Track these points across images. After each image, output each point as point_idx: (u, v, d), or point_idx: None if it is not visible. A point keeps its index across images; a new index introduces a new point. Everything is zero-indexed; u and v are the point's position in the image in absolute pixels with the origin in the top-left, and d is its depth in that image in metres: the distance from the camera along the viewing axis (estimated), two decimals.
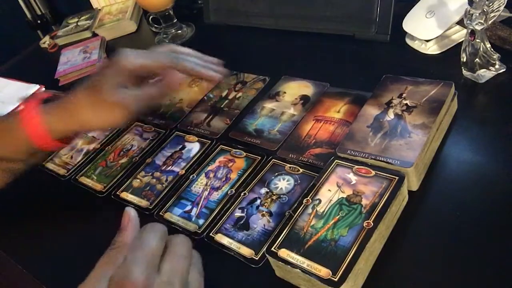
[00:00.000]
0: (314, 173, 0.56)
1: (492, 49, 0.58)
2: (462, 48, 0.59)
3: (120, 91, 0.55)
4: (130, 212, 0.42)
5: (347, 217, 0.46)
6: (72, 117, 0.56)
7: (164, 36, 0.95)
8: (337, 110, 0.63)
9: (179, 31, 0.95)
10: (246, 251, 0.50)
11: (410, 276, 0.44)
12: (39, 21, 1.63)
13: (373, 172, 0.49)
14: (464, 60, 0.59)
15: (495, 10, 0.54)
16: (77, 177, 0.68)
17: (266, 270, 0.47)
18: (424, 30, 0.67)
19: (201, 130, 0.69)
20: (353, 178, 0.49)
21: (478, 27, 0.55)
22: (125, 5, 1.11)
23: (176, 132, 0.71)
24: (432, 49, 0.68)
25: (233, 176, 0.59)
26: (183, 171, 0.63)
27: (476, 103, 0.60)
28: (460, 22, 0.65)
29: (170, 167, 0.64)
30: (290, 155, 0.60)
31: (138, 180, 0.64)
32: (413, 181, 0.49)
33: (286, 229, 0.46)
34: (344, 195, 0.48)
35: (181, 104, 0.76)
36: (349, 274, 0.41)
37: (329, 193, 0.49)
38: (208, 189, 0.59)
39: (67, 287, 0.56)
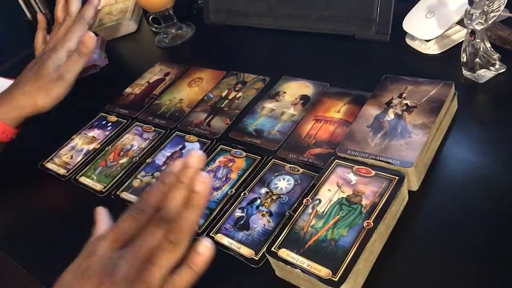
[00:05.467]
0: (314, 173, 0.55)
1: (492, 49, 0.58)
2: (462, 48, 0.59)
3: (57, 69, 0.68)
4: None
5: (347, 217, 0.46)
6: (24, 104, 0.68)
7: (164, 36, 0.95)
8: (337, 110, 0.63)
9: (179, 31, 0.95)
10: (246, 251, 0.50)
11: (410, 276, 0.44)
12: None
13: (373, 172, 0.49)
14: (464, 60, 0.59)
15: (495, 10, 0.54)
16: (77, 177, 0.68)
17: (266, 270, 0.47)
18: (424, 30, 0.67)
19: (201, 130, 0.69)
20: (353, 178, 0.49)
21: (478, 27, 0.55)
22: (125, 5, 1.11)
23: (176, 132, 0.71)
24: (432, 49, 0.68)
25: (233, 176, 0.59)
26: None
27: (476, 103, 0.60)
28: (460, 22, 0.65)
29: None
30: (290, 155, 0.60)
31: (138, 180, 0.64)
32: (413, 181, 0.49)
33: (286, 229, 0.46)
34: (344, 195, 0.48)
35: (181, 104, 0.76)
36: (349, 274, 0.41)
37: (329, 193, 0.49)
38: None
39: None
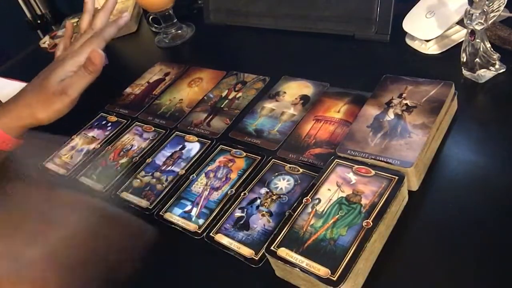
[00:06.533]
0: (314, 173, 0.55)
1: (492, 49, 0.58)
2: (462, 48, 0.59)
3: (61, 82, 0.67)
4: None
5: (347, 216, 0.46)
6: (23, 115, 0.67)
7: (164, 36, 0.95)
8: (337, 110, 0.63)
9: (179, 31, 0.95)
10: (246, 251, 0.50)
11: (410, 276, 0.44)
12: (39, 21, 1.63)
13: (373, 172, 0.49)
14: (464, 60, 0.59)
15: (495, 10, 0.54)
16: (77, 177, 0.68)
17: (266, 270, 0.47)
18: (424, 30, 0.67)
19: (201, 130, 0.69)
20: (353, 177, 0.49)
21: (478, 27, 0.55)
22: (125, 5, 1.11)
23: (176, 132, 0.71)
24: (432, 49, 0.68)
25: (233, 176, 0.59)
26: (183, 171, 0.63)
27: (476, 103, 0.60)
28: (460, 22, 0.65)
29: (170, 167, 0.64)
30: (290, 155, 0.60)
31: (138, 180, 0.64)
32: (413, 181, 0.49)
33: (286, 228, 0.46)
34: (344, 195, 0.48)
35: (181, 104, 0.76)
36: (348, 274, 0.41)
37: (328, 193, 0.49)
38: (208, 189, 0.59)
39: None
